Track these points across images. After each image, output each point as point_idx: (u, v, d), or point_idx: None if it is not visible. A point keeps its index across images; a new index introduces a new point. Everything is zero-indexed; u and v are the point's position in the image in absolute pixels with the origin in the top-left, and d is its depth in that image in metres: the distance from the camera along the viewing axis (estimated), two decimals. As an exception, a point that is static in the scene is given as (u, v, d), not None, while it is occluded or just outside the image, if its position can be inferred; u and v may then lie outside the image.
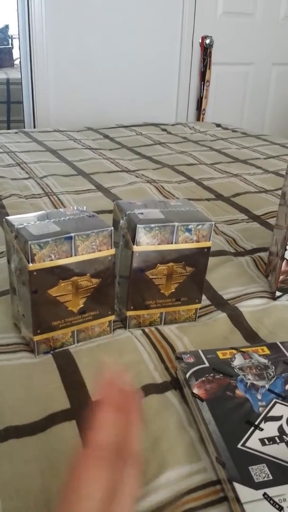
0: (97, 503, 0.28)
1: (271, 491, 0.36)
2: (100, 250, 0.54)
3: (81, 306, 0.55)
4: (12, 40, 4.07)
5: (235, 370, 0.50)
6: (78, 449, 0.31)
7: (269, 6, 2.70)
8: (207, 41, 2.59)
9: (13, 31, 3.95)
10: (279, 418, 0.44)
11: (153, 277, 0.58)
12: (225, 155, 1.49)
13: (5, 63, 3.97)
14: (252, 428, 0.42)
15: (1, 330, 0.59)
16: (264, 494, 0.36)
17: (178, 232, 0.57)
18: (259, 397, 0.46)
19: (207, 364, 0.50)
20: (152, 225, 0.56)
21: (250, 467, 0.38)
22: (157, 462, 0.41)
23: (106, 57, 2.42)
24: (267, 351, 0.53)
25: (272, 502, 0.35)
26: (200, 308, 0.64)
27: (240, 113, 2.90)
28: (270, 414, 0.44)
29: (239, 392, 0.47)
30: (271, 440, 0.41)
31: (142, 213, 0.58)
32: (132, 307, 0.60)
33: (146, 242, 0.56)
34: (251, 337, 0.61)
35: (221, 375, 0.49)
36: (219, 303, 0.68)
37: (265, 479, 0.37)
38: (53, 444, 0.43)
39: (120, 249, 0.60)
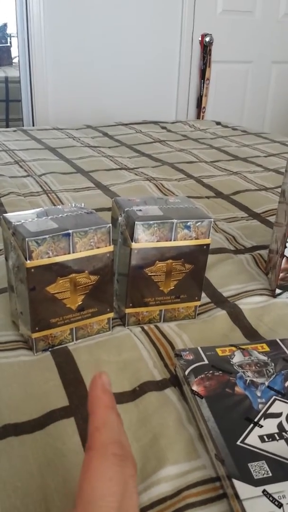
0: (118, 498, 0.28)
1: (271, 488, 0.36)
2: (98, 247, 0.54)
3: (80, 303, 0.55)
4: (10, 39, 4.06)
5: (235, 367, 0.49)
6: (88, 450, 0.30)
7: (268, 4, 2.70)
8: (207, 39, 2.59)
9: (11, 29, 3.94)
10: (278, 415, 0.43)
11: (152, 274, 0.58)
12: (225, 153, 1.48)
13: (4, 62, 3.96)
14: (252, 425, 0.42)
15: None
16: (264, 491, 0.36)
17: (177, 229, 0.57)
18: (259, 394, 0.46)
19: (206, 361, 0.50)
20: (151, 222, 0.56)
21: (249, 464, 0.38)
22: (156, 459, 0.41)
23: (105, 55, 2.42)
24: (266, 348, 0.53)
25: (271, 499, 0.35)
26: (199, 306, 0.64)
27: (240, 111, 2.90)
28: (270, 411, 0.44)
29: (239, 389, 0.46)
30: (271, 437, 0.41)
31: (140, 210, 0.58)
32: (131, 305, 0.59)
33: (144, 239, 0.56)
34: (251, 334, 0.60)
35: (220, 372, 0.49)
36: (219, 300, 0.67)
37: (265, 476, 0.37)
38: (52, 441, 0.43)
39: (119, 246, 0.60)
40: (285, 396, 0.46)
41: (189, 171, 1.27)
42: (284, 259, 0.65)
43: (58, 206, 0.59)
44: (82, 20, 2.29)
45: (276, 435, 0.41)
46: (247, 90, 2.86)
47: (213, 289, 0.70)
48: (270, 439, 0.41)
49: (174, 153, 1.46)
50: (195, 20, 2.55)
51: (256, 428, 0.42)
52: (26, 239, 0.49)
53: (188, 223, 0.57)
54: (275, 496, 0.35)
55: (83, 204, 0.60)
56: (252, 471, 0.37)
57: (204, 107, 2.73)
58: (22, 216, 0.55)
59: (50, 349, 0.55)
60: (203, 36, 2.59)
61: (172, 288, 0.60)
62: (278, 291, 0.68)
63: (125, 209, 0.58)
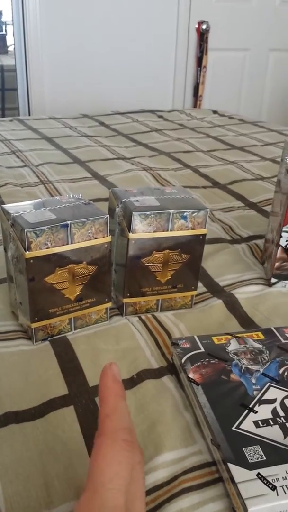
0: (126, 482, 0.29)
1: (265, 471, 0.37)
2: (96, 238, 0.55)
3: (78, 293, 0.56)
4: (6, 26, 4.01)
5: (230, 355, 0.50)
6: (98, 435, 0.31)
7: (265, -9, 2.67)
8: (204, 26, 2.57)
9: (6, 17, 3.89)
10: (273, 401, 0.44)
11: (149, 264, 0.59)
12: (221, 142, 1.48)
13: (-1, 50, 3.93)
14: (247, 411, 0.43)
15: (-1, 318, 0.60)
16: (258, 474, 0.37)
17: (174, 219, 0.57)
18: (254, 381, 0.47)
19: (202, 350, 0.51)
20: (148, 213, 0.56)
21: (244, 449, 0.39)
22: (154, 445, 0.42)
23: (101, 43, 2.40)
24: (261, 336, 0.54)
25: (265, 482, 0.36)
26: (196, 295, 0.64)
27: (237, 100, 2.89)
28: (264, 397, 0.45)
29: (234, 376, 0.48)
30: (265, 422, 0.42)
31: (137, 201, 0.58)
32: (128, 294, 0.60)
33: (141, 230, 0.57)
34: (247, 323, 0.61)
35: (216, 360, 0.50)
36: (215, 290, 0.68)
37: (259, 459, 0.38)
38: (52, 429, 0.44)
39: (116, 237, 0.60)
40: (280, 382, 0.47)
41: (185, 161, 1.28)
42: (280, 249, 0.66)
43: (56, 197, 0.60)
44: (78, 9, 2.27)
45: (270, 420, 0.42)
46: (244, 78, 2.85)
47: (209, 278, 0.71)
48: (265, 424, 0.42)
49: (171, 143, 1.46)
50: (191, 8, 2.52)
51: (251, 414, 0.43)
52: (25, 230, 0.50)
53: (185, 214, 0.58)
54: (269, 479, 0.37)
55: (80, 195, 0.60)
56: (247, 455, 0.39)
57: (201, 95, 2.72)
58: (21, 207, 0.55)
59: (49, 339, 0.56)
60: (200, 23, 2.57)
61: (169, 278, 0.61)
62: (273, 280, 0.69)
63: (122, 200, 0.58)
